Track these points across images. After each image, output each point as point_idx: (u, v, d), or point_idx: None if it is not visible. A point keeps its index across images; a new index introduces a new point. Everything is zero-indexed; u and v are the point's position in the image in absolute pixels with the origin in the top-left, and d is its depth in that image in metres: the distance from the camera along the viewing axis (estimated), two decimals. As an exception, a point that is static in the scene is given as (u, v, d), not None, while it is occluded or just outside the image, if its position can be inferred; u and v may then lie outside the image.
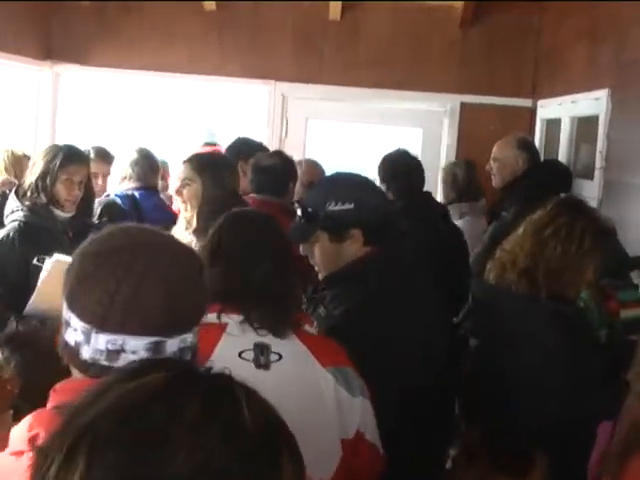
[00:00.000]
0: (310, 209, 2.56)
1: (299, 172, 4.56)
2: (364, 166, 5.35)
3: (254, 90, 6.60)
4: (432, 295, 2.66)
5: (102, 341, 1.31)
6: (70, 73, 6.43)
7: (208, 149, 7.45)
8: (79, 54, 6.33)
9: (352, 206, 2.50)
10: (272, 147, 5.93)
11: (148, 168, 4.88)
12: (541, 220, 2.71)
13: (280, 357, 1.97)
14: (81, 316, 1.33)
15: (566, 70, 5.61)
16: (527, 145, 4.90)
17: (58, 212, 3.69)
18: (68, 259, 3.42)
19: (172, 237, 1.47)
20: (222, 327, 2.00)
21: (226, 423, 0.91)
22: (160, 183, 5.31)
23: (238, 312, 2.03)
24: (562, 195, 3.12)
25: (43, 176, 3.63)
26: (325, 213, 2.52)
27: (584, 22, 5.25)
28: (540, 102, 6.15)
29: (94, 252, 1.38)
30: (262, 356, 1.96)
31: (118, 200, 4.68)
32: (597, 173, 4.77)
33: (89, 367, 1.34)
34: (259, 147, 4.69)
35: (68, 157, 3.70)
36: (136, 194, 4.75)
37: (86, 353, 1.33)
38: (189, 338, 1.36)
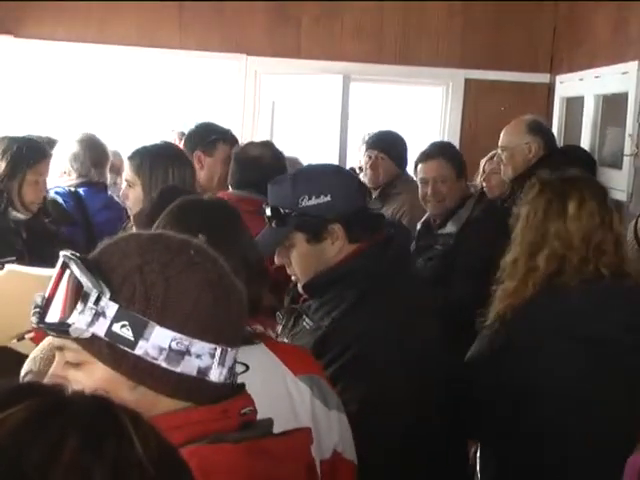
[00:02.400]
0: (280, 209, 2.55)
1: None
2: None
3: (221, 66, 6.53)
4: (428, 295, 2.81)
5: (231, 358, 1.40)
6: (2, 46, 6.25)
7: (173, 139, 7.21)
8: (12, 24, 6.16)
9: (328, 198, 2.50)
10: (244, 132, 5.95)
11: (92, 162, 4.67)
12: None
13: (247, 368, 1.82)
14: (212, 338, 1.37)
15: (589, 40, 5.57)
16: (540, 129, 4.78)
17: (14, 213, 3.66)
18: (23, 269, 2.99)
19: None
20: None
21: (115, 458, 0.88)
22: (109, 177, 5.15)
23: None
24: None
25: (9, 179, 3.61)
26: (298, 211, 2.50)
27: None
28: (559, 78, 6.11)
29: (186, 265, 1.38)
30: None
31: (59, 198, 4.52)
32: (626, 160, 4.74)
33: (219, 391, 1.39)
34: (224, 134, 4.50)
35: (34, 154, 3.69)
36: (80, 191, 4.61)
37: (219, 375, 1.38)
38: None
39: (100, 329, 1.32)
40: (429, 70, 6.30)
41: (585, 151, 5.10)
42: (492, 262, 2.91)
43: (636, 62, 4.62)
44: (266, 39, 6.29)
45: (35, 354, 2.20)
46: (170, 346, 1.33)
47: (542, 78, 6.26)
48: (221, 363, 1.37)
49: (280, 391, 1.95)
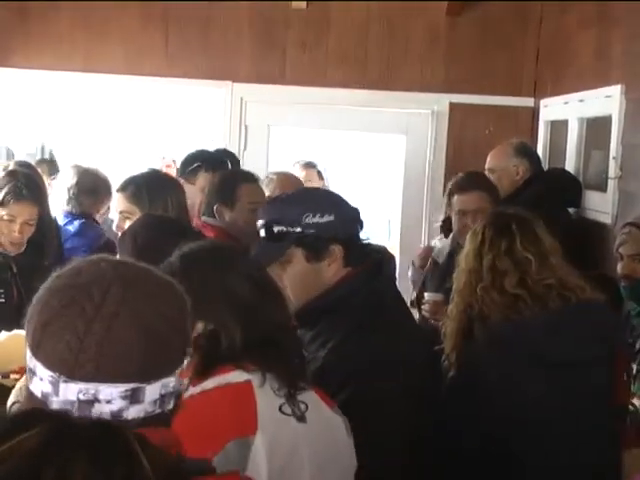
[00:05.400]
0: (282, 226, 2.52)
1: (270, 188, 4.50)
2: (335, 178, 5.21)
3: (207, 94, 6.52)
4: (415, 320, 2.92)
5: (73, 391, 1.31)
6: (-12, 76, 6.16)
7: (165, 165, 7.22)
8: (-2, 54, 6.13)
9: (332, 218, 2.50)
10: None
11: None
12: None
13: (307, 407, 1.97)
14: (47, 364, 1.32)
15: (572, 63, 5.59)
16: (526, 151, 4.89)
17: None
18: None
19: (150, 271, 1.46)
20: (248, 383, 1.94)
21: (126, 479, 0.91)
22: None
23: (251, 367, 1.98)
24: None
25: None
26: (302, 226, 2.49)
27: (591, 6, 5.21)
28: (543, 101, 6.13)
29: (58, 289, 1.37)
30: (295, 407, 1.96)
31: None
32: (611, 183, 4.72)
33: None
34: (207, 162, 4.54)
35: (8, 194, 3.63)
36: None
37: (56, 405, 1.32)
38: (171, 383, 1.37)
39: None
40: (413, 95, 6.29)
41: (570, 174, 5.13)
42: None
43: (619, 86, 4.59)
44: (251, 66, 6.30)
45: (20, 384, 2.26)
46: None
47: (526, 102, 6.26)
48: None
49: (329, 423, 2.04)
